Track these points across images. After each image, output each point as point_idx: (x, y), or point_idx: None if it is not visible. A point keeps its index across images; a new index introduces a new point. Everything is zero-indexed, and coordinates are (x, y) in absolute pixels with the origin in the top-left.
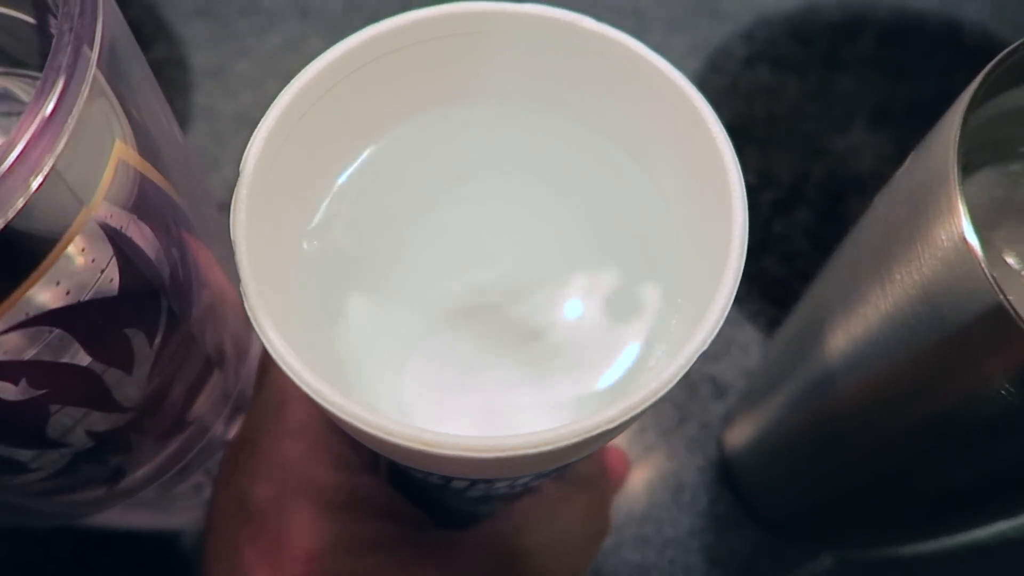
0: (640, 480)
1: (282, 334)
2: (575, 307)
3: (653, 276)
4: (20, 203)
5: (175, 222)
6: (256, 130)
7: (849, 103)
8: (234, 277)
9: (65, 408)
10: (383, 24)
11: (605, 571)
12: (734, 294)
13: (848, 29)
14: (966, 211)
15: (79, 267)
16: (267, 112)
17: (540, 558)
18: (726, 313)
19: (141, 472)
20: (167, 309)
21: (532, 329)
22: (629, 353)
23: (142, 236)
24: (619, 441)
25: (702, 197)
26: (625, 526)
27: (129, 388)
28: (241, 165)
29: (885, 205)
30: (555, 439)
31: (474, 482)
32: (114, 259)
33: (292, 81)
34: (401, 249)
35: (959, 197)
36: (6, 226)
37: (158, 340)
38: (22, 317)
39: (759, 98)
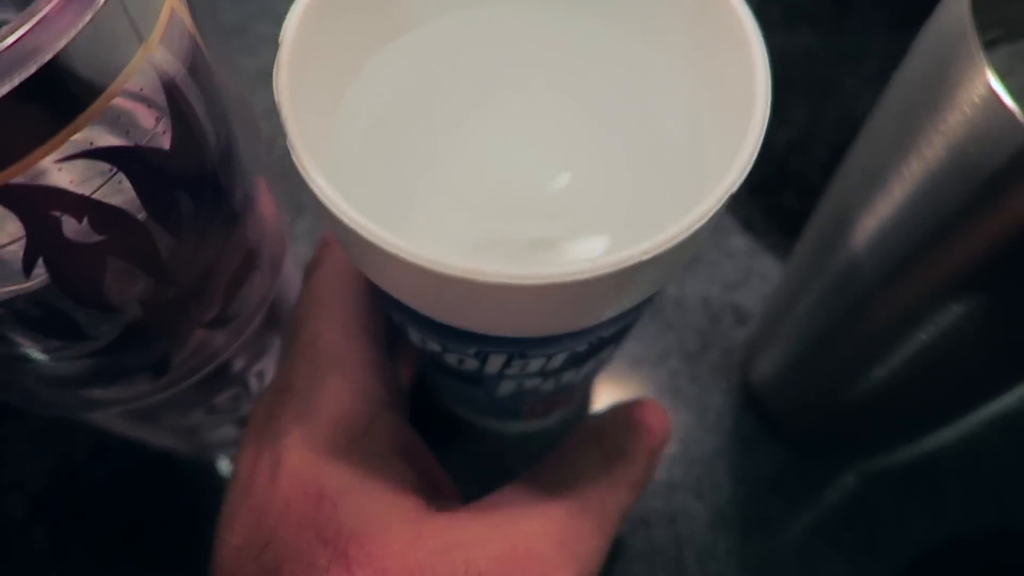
0: (665, 403)
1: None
2: (602, 215)
3: (681, 176)
4: (88, 16)
5: (220, 101)
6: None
7: (860, 45)
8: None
9: (120, 267)
10: None
11: None
12: (763, 132)
13: None
14: (986, 58)
15: (138, 110)
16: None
17: (554, 500)
18: (758, 147)
19: (184, 366)
20: (213, 178)
21: (555, 238)
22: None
23: (193, 95)
24: (646, 358)
25: (723, 72)
26: None
27: (178, 257)
28: (280, 36)
29: (903, 78)
30: (593, 268)
31: (509, 360)
32: (168, 111)
33: None
34: (426, 149)
35: (979, 48)
36: (75, 38)
37: (204, 211)
38: (87, 146)
39: (772, 41)
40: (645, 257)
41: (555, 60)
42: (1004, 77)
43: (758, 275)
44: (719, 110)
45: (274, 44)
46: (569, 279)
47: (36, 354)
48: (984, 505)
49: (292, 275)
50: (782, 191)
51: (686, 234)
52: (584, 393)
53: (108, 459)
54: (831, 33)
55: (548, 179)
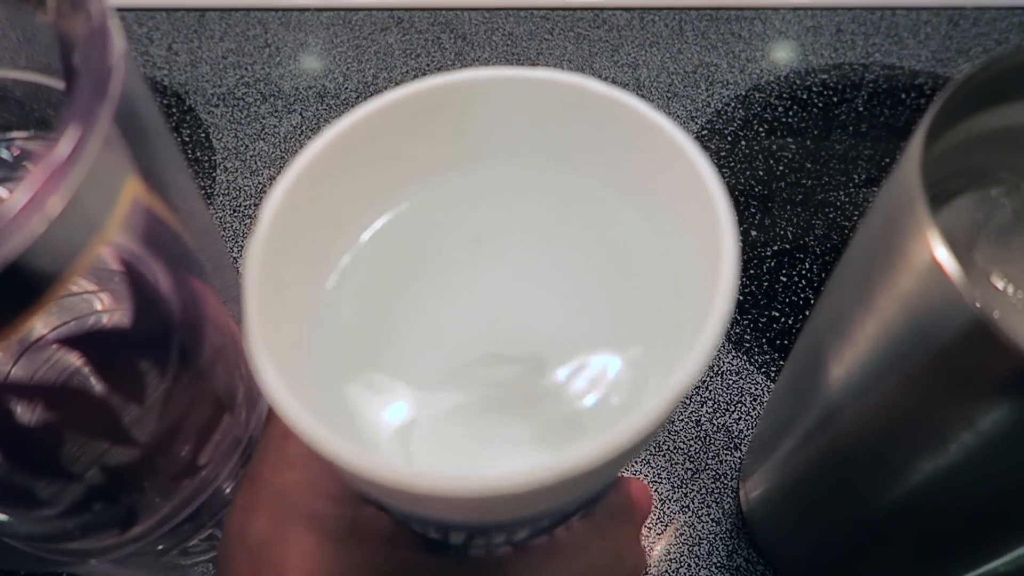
0: (654, 532)
1: (287, 380)
2: (586, 369)
3: (662, 334)
4: (41, 227)
5: (188, 267)
6: (276, 183)
7: (846, 159)
8: None
9: (79, 439)
10: (403, 89)
11: None
12: (720, 335)
13: (842, 91)
14: (934, 230)
15: (94, 296)
16: (288, 167)
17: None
18: (710, 354)
19: (153, 517)
20: (178, 345)
21: (545, 393)
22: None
23: (155, 273)
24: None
25: (700, 247)
26: None
27: (141, 422)
28: (260, 213)
29: (864, 233)
30: (521, 483)
31: (471, 535)
32: (128, 291)
33: (314, 140)
34: (418, 313)
35: (927, 216)
36: (28, 249)
37: (169, 374)
38: (40, 338)
39: (758, 157)
40: (586, 468)
41: (535, 215)
42: (967, 227)
43: (749, 395)
44: (694, 278)
45: (272, 164)
46: (488, 493)
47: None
48: None
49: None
50: (771, 306)
51: (631, 442)
52: None
53: None
54: (816, 148)
55: (531, 320)
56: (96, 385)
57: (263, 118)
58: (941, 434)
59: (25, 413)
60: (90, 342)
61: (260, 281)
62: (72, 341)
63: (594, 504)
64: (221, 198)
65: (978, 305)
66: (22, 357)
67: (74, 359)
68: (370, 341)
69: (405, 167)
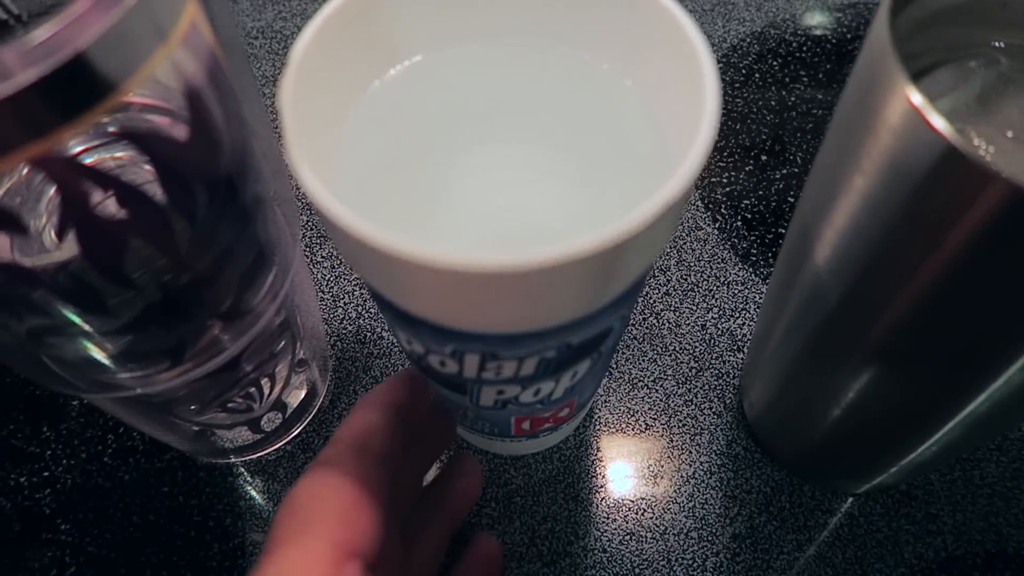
0: (658, 423)
1: (322, 181)
2: (584, 206)
3: (650, 179)
4: (113, 19)
5: (237, 109)
6: (305, 27)
7: None
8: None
9: (141, 246)
10: None
11: (624, 504)
12: (699, 166)
13: (856, 28)
14: (904, 71)
15: (158, 102)
16: (315, 16)
17: None
18: (694, 173)
19: (200, 355)
20: (227, 177)
21: (546, 229)
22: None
23: (211, 99)
24: (641, 379)
25: (686, 104)
26: (644, 463)
27: (192, 245)
28: (289, 55)
29: (845, 97)
30: (522, 262)
31: (483, 361)
32: (187, 105)
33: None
34: (423, 176)
35: (896, 60)
36: (100, 37)
37: (218, 204)
38: (115, 130)
39: (771, 88)
40: (580, 255)
41: (546, 87)
42: (946, 95)
43: (754, 303)
44: (680, 125)
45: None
46: (494, 268)
47: (72, 319)
48: (977, 529)
49: (306, 283)
50: (778, 224)
51: (599, 246)
52: (574, 417)
53: (133, 461)
54: (829, 79)
55: (534, 187)
56: (157, 193)
57: None
58: (923, 290)
59: (99, 201)
60: (153, 142)
61: (295, 101)
62: (136, 137)
63: (597, 347)
64: None
65: (951, 134)
66: (97, 148)
67: (141, 169)
68: (390, 165)
69: (420, 33)
